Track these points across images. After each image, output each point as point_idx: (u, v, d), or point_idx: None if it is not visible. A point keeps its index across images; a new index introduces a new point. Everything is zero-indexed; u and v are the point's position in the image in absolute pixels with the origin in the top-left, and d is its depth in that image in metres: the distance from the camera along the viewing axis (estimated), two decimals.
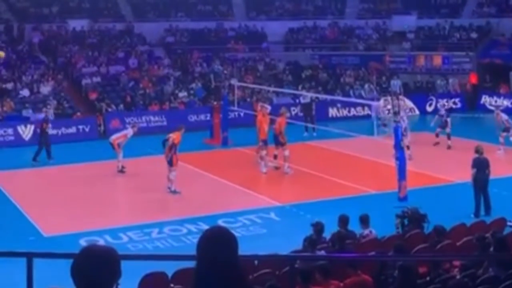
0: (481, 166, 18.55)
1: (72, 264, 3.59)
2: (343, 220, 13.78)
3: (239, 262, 3.92)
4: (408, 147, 24.75)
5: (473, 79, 39.80)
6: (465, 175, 22.00)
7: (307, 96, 32.56)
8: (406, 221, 14.71)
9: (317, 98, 33.80)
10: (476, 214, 17.68)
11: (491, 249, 10.48)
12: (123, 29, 41.60)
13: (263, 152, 23.68)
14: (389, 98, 24.89)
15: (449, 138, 26.95)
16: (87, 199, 21.01)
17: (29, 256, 5.45)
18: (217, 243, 3.86)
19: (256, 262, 10.97)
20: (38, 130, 27.48)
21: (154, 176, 23.49)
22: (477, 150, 19.15)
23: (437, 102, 35.67)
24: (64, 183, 22.90)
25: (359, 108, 35.66)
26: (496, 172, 22.62)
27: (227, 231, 3.96)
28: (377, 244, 12.65)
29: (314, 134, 27.62)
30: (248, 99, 35.91)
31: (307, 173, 23.66)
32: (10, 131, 30.51)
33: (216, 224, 17.65)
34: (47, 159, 26.03)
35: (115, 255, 3.65)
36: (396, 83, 38.25)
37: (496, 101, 36.53)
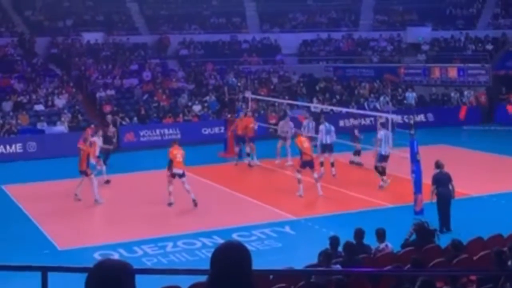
0: (441, 181, 18.17)
1: (87, 278, 3.56)
2: (358, 234, 13.67)
3: (253, 277, 3.87)
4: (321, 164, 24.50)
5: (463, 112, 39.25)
6: (482, 188, 21.93)
7: (317, 106, 32.60)
8: (408, 235, 14.56)
9: (331, 110, 33.72)
10: (441, 230, 17.13)
11: (509, 263, 10.31)
12: (155, 41, 41.87)
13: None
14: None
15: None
16: (102, 213, 21.00)
17: (44, 270, 5.39)
18: (230, 257, 3.83)
19: (271, 276, 10.87)
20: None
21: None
22: (437, 165, 18.67)
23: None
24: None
25: (373, 120, 35.47)
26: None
27: (241, 246, 3.91)
28: (393, 258, 12.52)
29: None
30: (262, 112, 35.86)
31: (322, 186, 23.55)
32: (20, 145, 30.46)
33: (231, 237, 17.59)
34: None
35: (130, 269, 3.60)
36: (411, 96, 38.40)
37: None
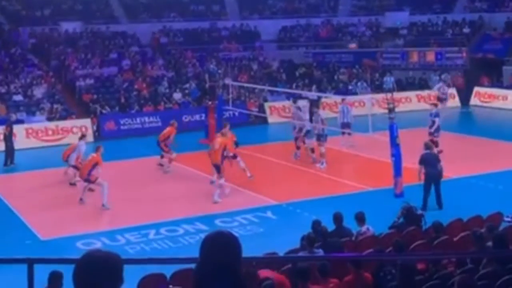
0: (430, 161, 18.57)
1: (74, 269, 3.53)
2: (338, 218, 13.80)
3: (241, 268, 3.93)
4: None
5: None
6: (461, 170, 22.12)
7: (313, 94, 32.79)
8: (397, 217, 14.75)
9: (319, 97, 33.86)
10: (423, 208, 17.32)
11: (489, 243, 10.43)
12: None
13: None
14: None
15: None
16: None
17: (30, 262, 5.43)
18: (219, 245, 3.87)
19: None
20: None
21: (149, 177, 23.49)
22: (427, 146, 19.24)
23: None
24: (59, 185, 22.76)
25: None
26: (491, 167, 22.73)
27: (230, 234, 3.95)
28: (375, 241, 12.65)
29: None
30: (243, 98, 35.90)
31: (303, 170, 23.67)
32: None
33: (213, 224, 17.68)
34: None
35: (118, 261, 3.59)
36: (389, 80, 38.54)
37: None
